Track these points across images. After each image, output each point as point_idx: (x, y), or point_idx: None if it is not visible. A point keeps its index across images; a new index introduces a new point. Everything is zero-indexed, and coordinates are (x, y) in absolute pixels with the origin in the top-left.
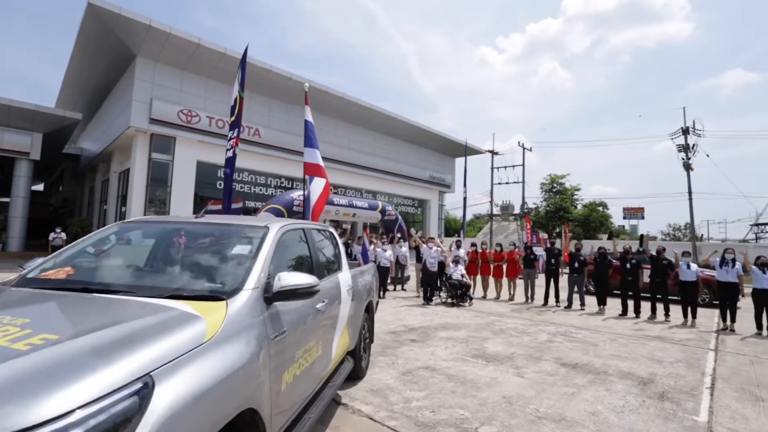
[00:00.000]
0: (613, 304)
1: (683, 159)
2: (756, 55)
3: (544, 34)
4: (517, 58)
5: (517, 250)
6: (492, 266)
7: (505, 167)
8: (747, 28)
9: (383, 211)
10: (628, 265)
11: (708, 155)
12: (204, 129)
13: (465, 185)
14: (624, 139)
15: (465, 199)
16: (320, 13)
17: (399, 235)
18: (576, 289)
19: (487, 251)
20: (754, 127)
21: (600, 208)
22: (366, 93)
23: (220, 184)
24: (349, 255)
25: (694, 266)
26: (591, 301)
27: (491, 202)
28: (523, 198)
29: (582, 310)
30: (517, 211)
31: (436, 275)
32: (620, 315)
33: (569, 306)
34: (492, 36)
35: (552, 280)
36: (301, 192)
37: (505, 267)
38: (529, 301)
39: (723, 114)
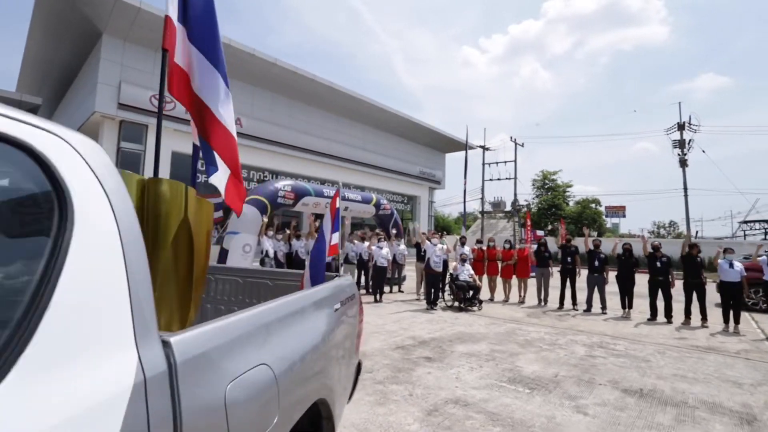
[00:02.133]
0: (635, 306)
1: (679, 155)
2: (727, 59)
3: (526, 35)
4: (499, 59)
5: (527, 247)
6: (500, 265)
7: (497, 163)
8: (719, 34)
9: (378, 205)
10: (658, 264)
11: (704, 151)
12: (180, 117)
13: (465, 176)
14: (614, 135)
15: (465, 192)
16: (304, 10)
17: (395, 231)
18: (596, 290)
19: (496, 248)
20: (726, 129)
21: (593, 205)
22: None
23: (198, 178)
24: (290, 258)
25: (738, 265)
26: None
27: (482, 198)
28: (515, 194)
29: (604, 313)
30: (508, 208)
31: (441, 276)
32: (649, 319)
33: (588, 309)
34: (475, 36)
35: (569, 280)
36: (288, 182)
37: (514, 266)
38: (543, 303)
39: (695, 118)
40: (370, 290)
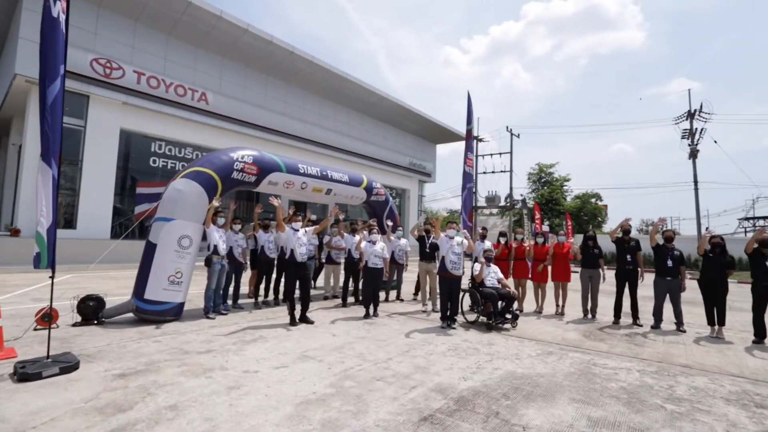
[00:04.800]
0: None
1: (689, 145)
2: (698, 65)
3: (507, 36)
4: (481, 59)
5: (567, 241)
6: (530, 265)
7: (491, 155)
8: (692, 40)
9: (369, 189)
10: None
11: (716, 141)
12: (130, 87)
13: (470, 156)
14: (618, 125)
15: (468, 175)
16: (287, 4)
17: (391, 222)
18: (668, 299)
19: (525, 244)
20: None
21: (593, 200)
22: None
23: (154, 161)
24: (255, 255)
25: None
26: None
27: (475, 192)
28: (511, 188)
29: (680, 332)
30: (502, 203)
31: (460, 282)
32: (756, 341)
33: (657, 326)
34: (457, 36)
35: (628, 285)
36: (250, 151)
37: (549, 267)
38: (589, 316)
39: (668, 121)
40: (362, 302)
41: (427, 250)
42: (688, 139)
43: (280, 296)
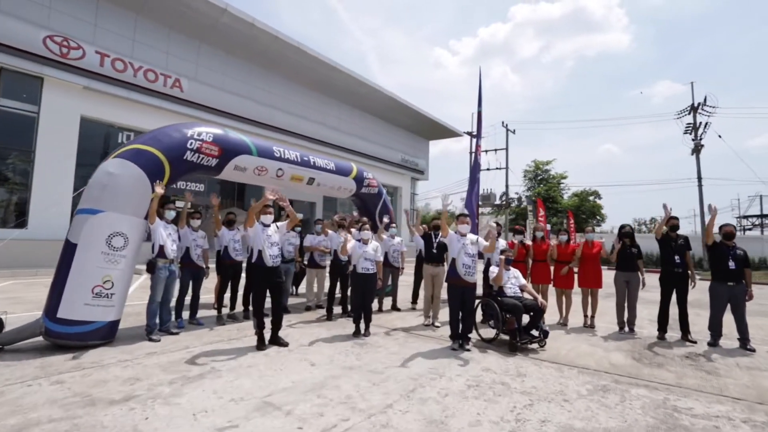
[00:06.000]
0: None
1: (693, 140)
2: (682, 68)
3: (495, 38)
4: (470, 61)
5: (597, 239)
6: (552, 268)
7: (486, 151)
8: (675, 43)
9: (359, 179)
10: None
11: (720, 136)
12: (92, 70)
13: (478, 137)
14: (620, 119)
15: (478, 165)
16: (278, 3)
17: (387, 219)
18: (731, 310)
19: (550, 242)
20: (675, 136)
21: (591, 198)
22: None
23: None
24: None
25: None
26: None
27: (469, 190)
28: (507, 185)
29: (749, 350)
30: (498, 201)
31: (474, 291)
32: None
33: (715, 342)
34: (446, 38)
35: (676, 291)
36: (211, 129)
37: (576, 270)
38: (627, 330)
39: (653, 123)
40: (350, 314)
41: (434, 251)
42: (690, 134)
43: (252, 307)
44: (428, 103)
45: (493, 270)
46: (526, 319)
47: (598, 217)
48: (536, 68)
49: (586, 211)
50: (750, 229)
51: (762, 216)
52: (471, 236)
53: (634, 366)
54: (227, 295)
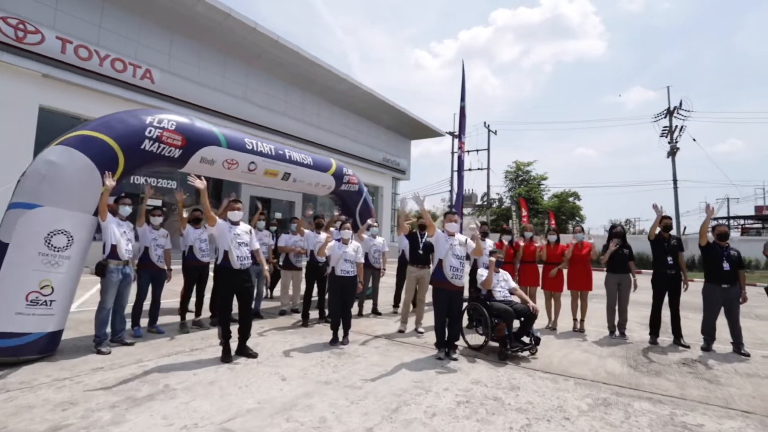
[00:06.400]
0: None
1: (669, 143)
2: (653, 75)
3: (476, 42)
4: (450, 63)
5: (586, 239)
6: (540, 270)
7: (468, 152)
8: (647, 50)
9: (339, 175)
10: None
11: (695, 139)
12: (52, 56)
13: (462, 132)
14: (597, 121)
15: (461, 162)
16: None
17: (371, 221)
18: (723, 312)
19: (536, 243)
20: (647, 141)
21: (571, 199)
22: None
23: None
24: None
25: None
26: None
27: (451, 191)
28: (488, 186)
29: (743, 355)
30: (479, 202)
31: (462, 296)
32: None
33: (708, 347)
34: (427, 40)
35: (668, 294)
36: (173, 116)
37: (565, 271)
38: (617, 334)
39: (626, 127)
40: (328, 319)
41: (421, 252)
42: (666, 137)
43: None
44: (408, 105)
45: (482, 273)
46: (516, 324)
47: (577, 218)
48: (516, 72)
49: (566, 212)
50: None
51: (729, 218)
52: (460, 236)
53: (631, 375)
54: (193, 300)
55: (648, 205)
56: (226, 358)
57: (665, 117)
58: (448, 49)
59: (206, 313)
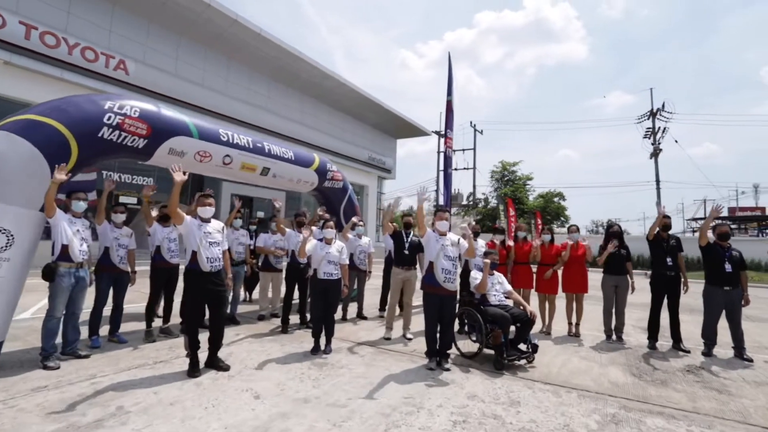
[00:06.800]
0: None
1: (653, 144)
2: (633, 80)
3: (460, 43)
4: (435, 64)
5: (581, 240)
6: (534, 271)
7: (454, 151)
8: (628, 55)
9: (322, 171)
10: None
11: (677, 141)
12: (15, 43)
13: (449, 127)
14: (582, 122)
15: (449, 159)
16: None
17: (356, 219)
18: (726, 316)
19: (532, 242)
20: (627, 143)
21: (556, 199)
22: None
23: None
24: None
25: None
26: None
27: (437, 190)
28: (474, 185)
29: (746, 360)
30: (465, 201)
31: (454, 301)
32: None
33: (709, 352)
34: (413, 40)
35: (667, 297)
36: (137, 102)
37: (560, 273)
38: (614, 338)
39: (607, 130)
40: (309, 325)
41: (406, 252)
42: (649, 138)
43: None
44: (393, 104)
45: (476, 276)
46: (511, 330)
47: (562, 218)
48: (500, 74)
49: (551, 212)
50: (695, 231)
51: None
52: (452, 236)
53: (637, 385)
54: (161, 305)
55: (629, 206)
56: (192, 372)
57: (648, 119)
58: (433, 50)
59: (176, 319)
